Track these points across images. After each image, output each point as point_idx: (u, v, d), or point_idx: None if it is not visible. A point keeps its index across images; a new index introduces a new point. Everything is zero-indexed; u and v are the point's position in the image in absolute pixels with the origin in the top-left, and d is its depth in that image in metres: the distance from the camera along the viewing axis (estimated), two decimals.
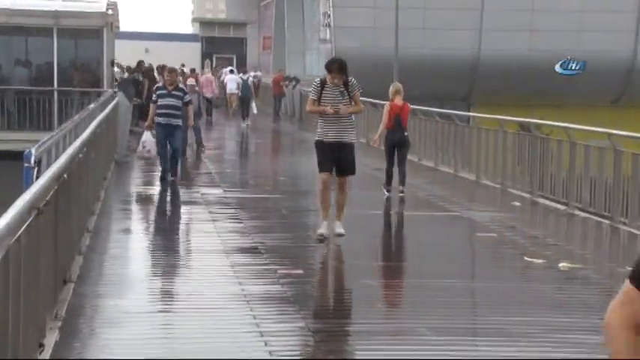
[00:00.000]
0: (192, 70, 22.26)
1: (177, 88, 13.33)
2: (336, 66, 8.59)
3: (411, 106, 13.20)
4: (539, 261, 8.11)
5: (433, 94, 30.12)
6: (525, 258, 8.28)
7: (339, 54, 35.20)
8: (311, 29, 40.43)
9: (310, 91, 8.78)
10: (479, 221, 10.65)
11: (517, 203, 12.20)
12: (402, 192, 12.10)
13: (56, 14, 22.97)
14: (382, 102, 21.54)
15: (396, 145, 12.37)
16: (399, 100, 12.64)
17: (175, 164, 13.46)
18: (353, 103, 8.71)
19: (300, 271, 7.46)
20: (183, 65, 28.41)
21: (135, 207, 11.68)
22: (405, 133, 12.58)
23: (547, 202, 12.08)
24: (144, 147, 13.75)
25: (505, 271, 8.12)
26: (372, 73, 28.85)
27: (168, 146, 13.23)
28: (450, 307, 6.50)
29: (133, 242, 9.22)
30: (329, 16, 36.39)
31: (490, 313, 6.42)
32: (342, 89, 8.64)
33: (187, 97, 13.45)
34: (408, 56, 31.04)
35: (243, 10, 51.23)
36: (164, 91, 13.26)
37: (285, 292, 6.77)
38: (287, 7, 43.33)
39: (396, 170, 12.32)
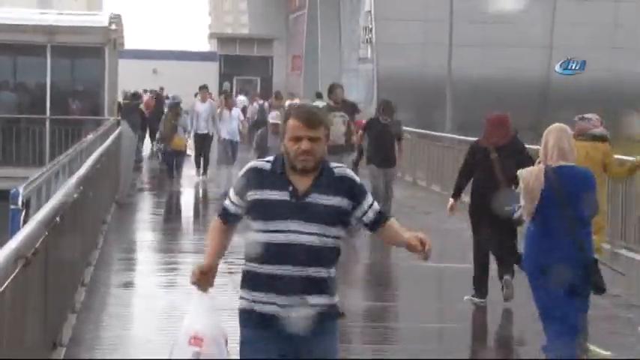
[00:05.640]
0: (204, 87, 20.73)
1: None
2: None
3: (468, 137, 13.59)
4: None
5: None
6: None
7: (382, 75, 35.45)
8: (349, 47, 40.74)
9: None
10: None
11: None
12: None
13: (50, 30, 23.34)
14: (433, 133, 21.59)
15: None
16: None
17: None
18: None
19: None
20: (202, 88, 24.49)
21: (139, 256, 11.78)
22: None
23: (632, 255, 11.96)
24: None
25: None
26: (421, 97, 28.99)
27: None
28: None
29: (135, 298, 9.29)
30: (370, 30, 36.68)
31: None
32: None
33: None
34: (464, 78, 31.16)
35: (268, 25, 51.81)
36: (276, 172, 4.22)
37: None
38: (321, 20, 43.75)
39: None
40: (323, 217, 4.07)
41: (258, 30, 53.15)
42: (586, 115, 8.50)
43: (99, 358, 6.85)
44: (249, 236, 4.05)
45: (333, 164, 4.17)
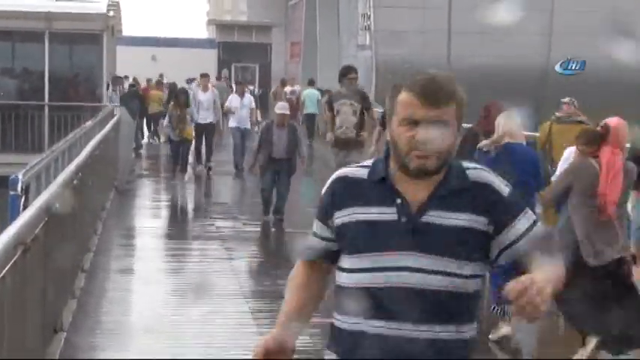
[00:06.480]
0: (206, 75, 20.06)
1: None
2: None
3: (466, 125, 14.12)
4: None
5: None
6: None
7: (380, 62, 35.41)
8: (347, 34, 40.70)
9: None
10: None
11: None
12: None
13: (48, 16, 23.31)
14: None
15: None
16: None
17: None
18: None
19: (332, 321, 7.46)
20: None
21: (138, 242, 11.80)
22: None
23: None
24: None
25: None
26: None
27: None
28: None
29: (135, 284, 9.30)
30: (369, 17, 36.64)
31: None
32: None
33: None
34: (463, 65, 31.15)
35: (267, 12, 51.74)
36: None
37: (315, 344, 6.79)
38: (319, 7, 43.70)
39: None
40: (452, 247, 2.59)
41: (257, 17, 53.05)
42: (574, 100, 10.05)
43: (99, 343, 6.86)
44: (339, 276, 2.72)
45: (465, 163, 2.69)
